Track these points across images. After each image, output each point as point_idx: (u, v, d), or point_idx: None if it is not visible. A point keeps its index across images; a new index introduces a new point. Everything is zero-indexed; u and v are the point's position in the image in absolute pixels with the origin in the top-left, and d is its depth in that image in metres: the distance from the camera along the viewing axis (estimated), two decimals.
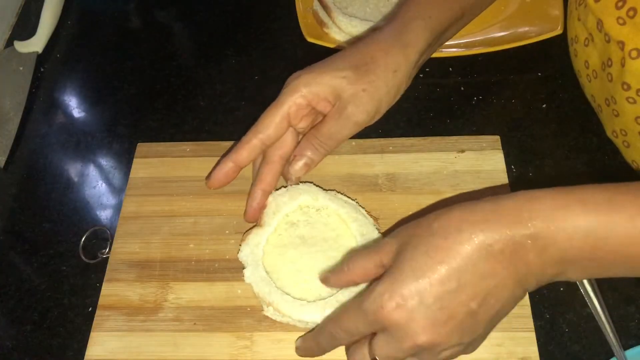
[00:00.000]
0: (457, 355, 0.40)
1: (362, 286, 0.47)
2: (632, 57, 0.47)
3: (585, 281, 0.50)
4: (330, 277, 0.46)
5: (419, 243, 0.39)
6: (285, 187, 0.54)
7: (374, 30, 0.55)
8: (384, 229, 0.53)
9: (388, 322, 0.38)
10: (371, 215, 0.53)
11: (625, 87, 0.48)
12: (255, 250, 0.51)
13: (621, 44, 0.47)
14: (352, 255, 0.44)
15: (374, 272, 0.42)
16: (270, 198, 0.54)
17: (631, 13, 0.46)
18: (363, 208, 0.54)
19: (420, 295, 0.37)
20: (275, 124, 0.51)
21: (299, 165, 0.53)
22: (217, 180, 0.52)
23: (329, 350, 0.45)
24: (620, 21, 0.47)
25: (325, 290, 0.49)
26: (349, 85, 0.50)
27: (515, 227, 0.37)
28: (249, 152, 0.52)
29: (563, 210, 0.37)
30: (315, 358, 0.47)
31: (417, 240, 0.39)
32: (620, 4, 0.47)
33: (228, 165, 0.52)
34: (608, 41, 0.49)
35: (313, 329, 0.47)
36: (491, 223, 0.37)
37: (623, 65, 0.48)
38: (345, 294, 0.48)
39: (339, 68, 0.50)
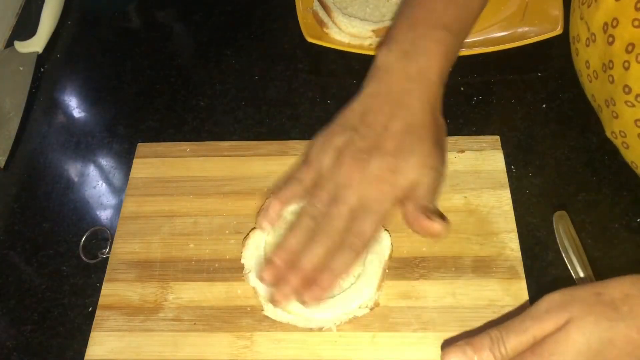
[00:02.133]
0: None
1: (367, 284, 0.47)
2: (638, 60, 0.46)
3: (585, 281, 0.50)
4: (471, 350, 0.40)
5: (600, 327, 0.38)
6: None
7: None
8: (384, 228, 0.53)
9: None
10: None
11: (626, 90, 0.48)
12: (256, 253, 0.51)
13: (631, 46, 0.47)
14: (503, 328, 0.40)
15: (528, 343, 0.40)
16: (268, 201, 0.54)
17: None
18: None
19: None
20: None
21: None
22: (271, 223, 0.49)
23: None
24: (636, 23, 0.46)
25: None
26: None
27: None
28: (302, 190, 0.49)
29: None
30: None
31: (596, 320, 0.38)
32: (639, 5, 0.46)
33: (277, 207, 0.49)
34: (611, 43, 0.49)
35: None
36: None
37: (627, 68, 0.47)
38: (351, 291, 0.49)
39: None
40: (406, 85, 0.49)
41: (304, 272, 0.45)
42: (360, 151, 0.47)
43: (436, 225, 0.46)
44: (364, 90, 0.51)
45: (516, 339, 0.39)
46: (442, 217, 0.47)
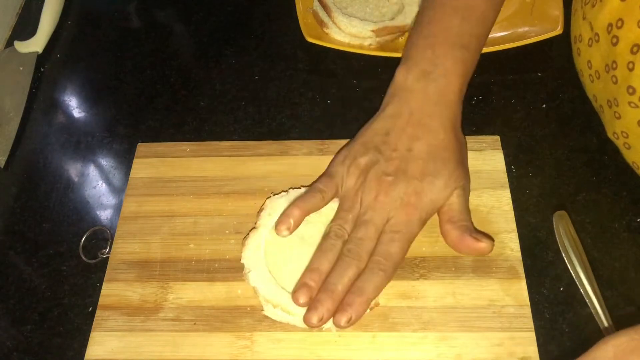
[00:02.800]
0: None
1: None
2: None
3: (585, 281, 0.50)
4: None
5: None
6: (285, 191, 0.55)
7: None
8: None
9: None
10: None
11: (630, 90, 0.48)
12: (256, 253, 0.51)
13: (636, 47, 0.47)
14: None
15: None
16: (267, 201, 0.54)
17: None
18: None
19: None
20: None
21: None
22: (289, 230, 0.50)
23: None
24: None
25: None
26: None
27: None
28: (322, 202, 0.51)
29: None
30: None
31: None
32: None
33: (297, 215, 0.50)
34: (615, 44, 0.48)
35: None
36: None
37: (631, 69, 0.47)
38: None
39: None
40: (427, 107, 0.51)
41: (337, 295, 0.46)
42: (385, 174, 0.49)
43: (483, 245, 0.48)
44: (384, 110, 0.52)
45: None
46: (485, 234, 0.49)
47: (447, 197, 0.49)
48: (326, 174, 0.52)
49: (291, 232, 0.49)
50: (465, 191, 0.50)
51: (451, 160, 0.50)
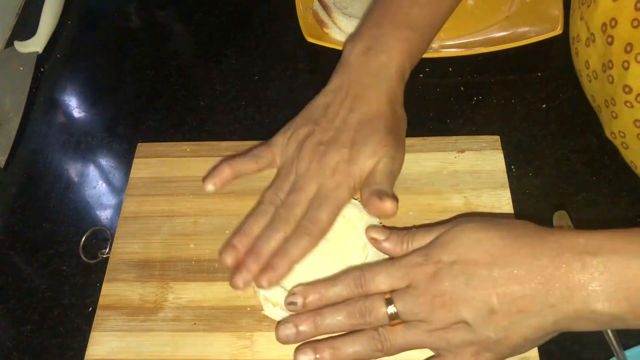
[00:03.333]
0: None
1: None
2: (637, 60, 0.46)
3: None
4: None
5: (473, 229, 0.44)
6: None
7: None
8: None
9: (419, 277, 0.43)
10: None
11: (626, 90, 0.48)
12: None
13: (629, 46, 0.47)
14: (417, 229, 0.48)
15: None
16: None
17: None
18: None
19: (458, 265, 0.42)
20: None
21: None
22: (214, 185, 0.52)
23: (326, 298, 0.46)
24: (635, 23, 0.46)
25: None
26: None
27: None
28: (255, 166, 0.53)
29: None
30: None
31: (473, 226, 0.44)
32: (639, 5, 0.46)
33: (226, 172, 0.52)
34: (610, 43, 0.49)
35: None
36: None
37: (626, 68, 0.47)
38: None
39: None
40: (366, 80, 0.53)
41: (262, 258, 0.47)
42: (319, 144, 0.51)
43: (387, 204, 0.48)
44: (329, 84, 0.54)
45: (421, 237, 0.46)
46: (393, 197, 0.49)
47: (375, 165, 0.50)
48: (266, 143, 0.54)
49: (216, 189, 0.51)
50: (394, 160, 0.51)
51: (381, 130, 0.51)
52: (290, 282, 0.50)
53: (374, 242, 0.48)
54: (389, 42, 0.53)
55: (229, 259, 0.47)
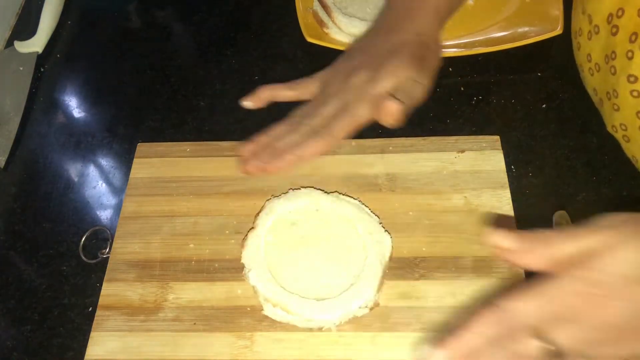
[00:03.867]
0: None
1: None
2: None
3: None
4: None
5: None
6: (285, 193, 0.55)
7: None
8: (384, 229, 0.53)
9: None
10: (375, 214, 0.53)
11: (631, 79, 0.48)
12: (256, 253, 0.51)
13: (634, 36, 0.47)
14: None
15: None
16: (266, 203, 0.54)
17: None
18: (366, 207, 0.54)
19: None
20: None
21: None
22: (251, 101, 0.55)
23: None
24: None
25: (325, 290, 0.49)
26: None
27: None
28: (292, 93, 0.56)
29: None
30: None
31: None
32: None
33: (264, 92, 0.55)
34: (615, 34, 0.49)
35: None
36: None
37: (630, 58, 0.48)
38: (351, 291, 0.49)
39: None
40: (401, 13, 0.55)
41: (274, 151, 0.51)
42: (353, 68, 0.53)
43: (392, 104, 0.49)
44: (372, 25, 0.57)
45: (567, 244, 0.35)
46: (399, 102, 0.50)
47: (394, 85, 0.51)
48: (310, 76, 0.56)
49: (252, 105, 0.55)
50: (415, 83, 0.52)
51: (404, 54, 0.52)
52: (290, 282, 0.50)
53: (500, 251, 0.37)
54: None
55: (246, 151, 0.51)
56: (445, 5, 0.55)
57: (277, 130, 0.52)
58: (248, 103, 0.55)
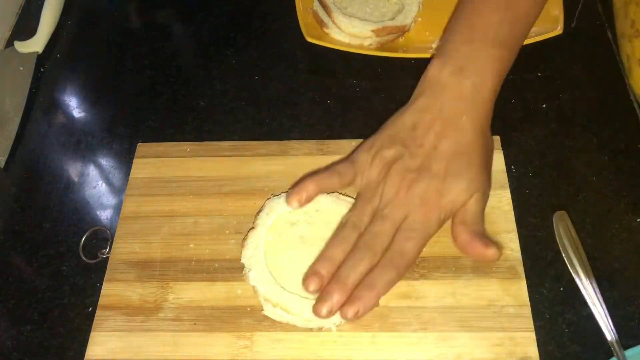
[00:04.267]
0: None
1: None
2: None
3: (585, 281, 0.50)
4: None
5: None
6: (285, 192, 0.55)
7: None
8: None
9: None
10: None
11: None
12: (256, 253, 0.51)
13: None
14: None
15: None
16: (266, 202, 0.54)
17: None
18: None
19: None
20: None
21: None
22: (299, 202, 0.50)
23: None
24: None
25: None
26: None
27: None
28: (338, 183, 0.51)
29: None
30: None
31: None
32: None
33: (311, 189, 0.50)
34: None
35: None
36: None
37: None
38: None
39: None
40: (459, 104, 0.50)
41: (347, 287, 0.45)
42: (409, 170, 0.48)
43: (491, 251, 0.47)
44: (414, 103, 0.51)
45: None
46: (493, 242, 0.48)
47: (466, 201, 0.48)
48: (349, 159, 0.52)
49: (301, 205, 0.49)
50: (485, 196, 0.50)
51: (475, 164, 0.49)
52: (290, 282, 0.50)
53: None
54: (482, 62, 0.50)
55: (314, 286, 0.45)
56: (500, 84, 0.51)
57: (337, 251, 0.47)
58: (296, 204, 0.49)
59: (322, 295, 0.45)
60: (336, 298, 0.45)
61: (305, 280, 0.46)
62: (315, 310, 0.45)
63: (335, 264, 0.46)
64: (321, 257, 0.47)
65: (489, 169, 0.51)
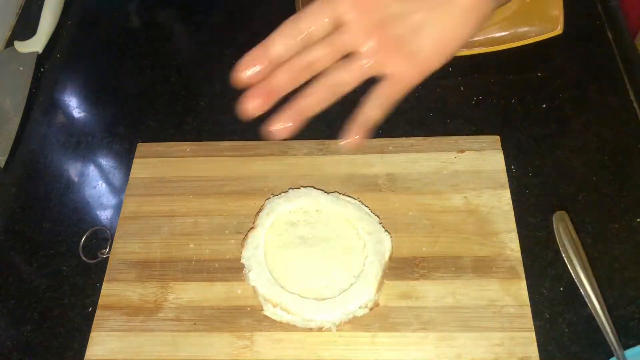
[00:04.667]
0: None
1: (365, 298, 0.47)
2: None
3: (585, 281, 0.50)
4: None
5: None
6: (285, 192, 0.55)
7: None
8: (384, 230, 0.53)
9: None
10: (375, 214, 0.53)
11: None
12: (256, 253, 0.51)
13: None
14: None
15: None
16: (266, 202, 0.54)
17: None
18: (366, 207, 0.54)
19: None
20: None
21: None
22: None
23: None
24: None
25: (325, 290, 0.49)
26: None
27: None
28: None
29: None
30: None
31: None
32: None
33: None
34: None
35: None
36: None
37: None
38: (351, 291, 0.49)
39: None
40: None
41: (276, 96, 0.44)
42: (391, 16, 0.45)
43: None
44: None
45: None
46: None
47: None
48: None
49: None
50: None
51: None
52: (290, 282, 0.50)
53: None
54: None
55: (244, 75, 0.44)
56: None
57: (278, 45, 0.45)
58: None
59: (250, 92, 0.44)
60: (262, 104, 0.43)
61: (238, 66, 0.44)
62: (242, 107, 0.43)
63: (271, 58, 0.45)
64: (262, 44, 0.45)
65: (464, 19, 0.46)
